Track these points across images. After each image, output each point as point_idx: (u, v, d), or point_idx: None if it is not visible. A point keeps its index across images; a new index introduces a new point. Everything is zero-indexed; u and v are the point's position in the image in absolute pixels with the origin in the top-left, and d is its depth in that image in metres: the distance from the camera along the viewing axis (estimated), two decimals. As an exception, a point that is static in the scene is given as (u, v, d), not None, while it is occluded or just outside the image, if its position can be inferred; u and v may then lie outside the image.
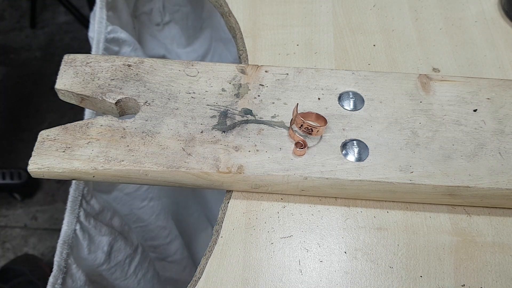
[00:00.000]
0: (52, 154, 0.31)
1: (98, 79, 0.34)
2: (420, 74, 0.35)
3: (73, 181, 0.48)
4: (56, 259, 0.46)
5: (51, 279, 0.44)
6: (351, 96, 0.34)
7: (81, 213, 0.49)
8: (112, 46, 0.56)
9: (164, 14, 0.73)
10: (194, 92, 0.34)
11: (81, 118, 0.51)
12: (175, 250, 0.72)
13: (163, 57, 0.76)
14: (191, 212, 0.81)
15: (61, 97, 0.35)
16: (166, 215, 0.69)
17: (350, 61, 0.39)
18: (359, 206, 0.32)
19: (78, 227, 0.48)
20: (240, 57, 0.40)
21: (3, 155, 1.25)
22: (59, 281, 0.45)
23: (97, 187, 0.55)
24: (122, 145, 0.31)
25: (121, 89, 0.34)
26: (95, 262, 0.52)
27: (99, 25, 0.54)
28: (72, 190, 0.48)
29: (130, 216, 0.63)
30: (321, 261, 0.30)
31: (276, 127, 0.33)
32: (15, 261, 0.98)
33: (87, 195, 0.50)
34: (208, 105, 0.34)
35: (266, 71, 0.35)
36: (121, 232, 0.56)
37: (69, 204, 0.48)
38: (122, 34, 0.57)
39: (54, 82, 0.34)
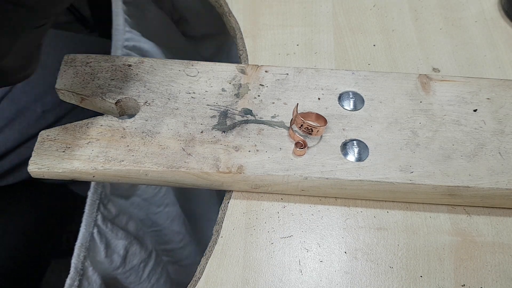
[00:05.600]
0: (52, 154, 0.31)
1: (98, 79, 0.34)
2: (420, 74, 0.35)
3: (92, 184, 0.49)
4: (74, 261, 0.46)
5: (68, 281, 0.45)
6: (351, 96, 0.34)
7: (99, 217, 0.49)
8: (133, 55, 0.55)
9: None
10: (194, 92, 0.34)
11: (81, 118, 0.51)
12: (188, 254, 0.73)
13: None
14: (207, 218, 0.81)
15: (61, 97, 0.35)
16: (180, 220, 0.69)
17: (350, 61, 0.39)
18: (359, 206, 0.32)
19: (95, 230, 0.49)
20: (240, 57, 0.40)
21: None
22: (76, 283, 0.45)
23: (115, 191, 0.56)
24: (122, 145, 0.31)
25: (121, 89, 0.34)
26: (111, 266, 0.52)
27: (115, 32, 0.54)
28: (90, 193, 0.49)
29: (146, 220, 0.63)
30: (321, 261, 0.30)
31: (276, 127, 0.33)
32: None
33: (105, 199, 0.50)
34: (208, 105, 0.34)
35: (266, 71, 0.35)
36: (136, 237, 0.56)
37: (87, 207, 0.48)
38: (145, 44, 0.55)
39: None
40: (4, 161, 0.57)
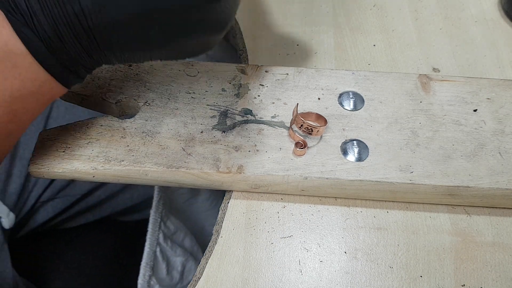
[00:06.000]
0: (52, 154, 0.31)
1: (98, 79, 0.34)
2: (420, 74, 0.35)
3: (154, 203, 0.50)
4: (140, 281, 0.47)
5: None
6: (351, 96, 0.34)
7: (160, 235, 0.50)
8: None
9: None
10: (194, 92, 0.34)
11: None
12: None
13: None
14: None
15: (61, 97, 0.35)
16: None
17: (350, 61, 0.39)
18: (359, 206, 0.32)
19: (158, 249, 0.49)
20: (240, 57, 0.40)
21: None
22: None
23: (172, 207, 0.56)
24: (122, 145, 0.31)
25: (121, 89, 0.34)
26: (171, 282, 0.53)
27: None
28: (152, 212, 0.49)
29: (200, 235, 0.64)
30: (321, 261, 0.30)
31: (276, 127, 0.33)
32: None
33: (165, 217, 0.51)
34: (208, 105, 0.34)
35: (266, 71, 0.35)
36: (191, 253, 0.57)
37: (150, 225, 0.49)
38: None
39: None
40: (92, 196, 0.58)
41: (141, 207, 0.62)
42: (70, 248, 0.58)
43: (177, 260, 0.53)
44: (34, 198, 0.53)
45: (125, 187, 0.59)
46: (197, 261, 0.57)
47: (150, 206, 0.53)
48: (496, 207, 0.32)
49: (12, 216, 0.49)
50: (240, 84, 0.35)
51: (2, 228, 0.50)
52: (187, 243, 0.56)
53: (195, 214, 0.63)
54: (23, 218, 0.54)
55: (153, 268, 0.48)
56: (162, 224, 0.51)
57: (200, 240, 0.63)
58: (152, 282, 0.48)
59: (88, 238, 0.60)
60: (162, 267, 0.51)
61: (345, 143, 0.32)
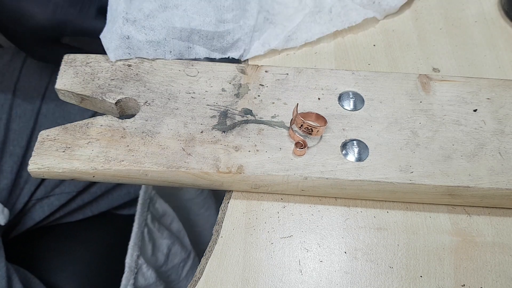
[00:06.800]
0: (52, 154, 0.31)
1: (98, 79, 0.34)
2: (420, 74, 0.35)
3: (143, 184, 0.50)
4: (127, 260, 0.47)
5: (123, 281, 0.45)
6: (351, 96, 0.34)
7: (149, 216, 0.50)
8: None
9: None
10: (194, 92, 0.34)
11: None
12: None
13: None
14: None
15: (61, 97, 0.35)
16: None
17: (350, 61, 0.39)
18: (359, 206, 0.32)
19: (146, 229, 0.49)
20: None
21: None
22: (131, 281, 0.46)
23: (160, 191, 0.56)
24: (122, 145, 0.31)
25: (121, 89, 0.34)
26: (156, 264, 0.53)
27: None
28: (142, 192, 0.49)
29: (187, 221, 0.64)
30: (321, 261, 0.30)
31: (276, 127, 0.33)
32: None
33: (153, 198, 0.51)
34: (208, 105, 0.34)
35: (266, 71, 0.35)
36: (178, 237, 0.57)
37: (138, 206, 0.49)
38: None
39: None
40: (88, 193, 0.58)
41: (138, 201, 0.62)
42: (70, 242, 0.58)
43: (163, 243, 0.54)
44: (27, 195, 0.53)
45: (121, 184, 0.59)
46: (183, 245, 0.58)
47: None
48: (496, 207, 0.32)
49: (6, 211, 0.49)
50: (240, 84, 0.35)
51: None
52: (175, 227, 0.56)
53: (183, 201, 0.63)
54: (17, 215, 0.54)
55: (141, 248, 0.48)
56: (151, 205, 0.50)
57: (187, 227, 0.63)
58: (140, 262, 0.48)
59: (87, 232, 0.60)
60: (148, 248, 0.51)
61: (345, 143, 0.32)
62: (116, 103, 0.34)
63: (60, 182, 0.55)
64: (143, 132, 0.32)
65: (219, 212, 0.32)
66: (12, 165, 0.52)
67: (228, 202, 0.32)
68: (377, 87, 0.35)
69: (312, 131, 0.31)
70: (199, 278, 0.29)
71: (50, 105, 0.54)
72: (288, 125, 0.33)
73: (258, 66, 0.36)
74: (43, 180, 0.54)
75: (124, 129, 0.32)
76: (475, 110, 0.34)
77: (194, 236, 0.67)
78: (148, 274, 0.50)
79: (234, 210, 0.32)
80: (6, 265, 0.47)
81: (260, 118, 0.33)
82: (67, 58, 0.36)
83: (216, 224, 0.31)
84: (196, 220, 0.66)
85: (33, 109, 0.54)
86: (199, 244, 0.68)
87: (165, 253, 0.55)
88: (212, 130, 0.32)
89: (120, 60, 0.35)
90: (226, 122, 0.33)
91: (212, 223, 0.68)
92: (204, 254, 0.30)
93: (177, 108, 0.33)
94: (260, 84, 0.35)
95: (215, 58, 0.38)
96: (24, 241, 0.56)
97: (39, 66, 0.56)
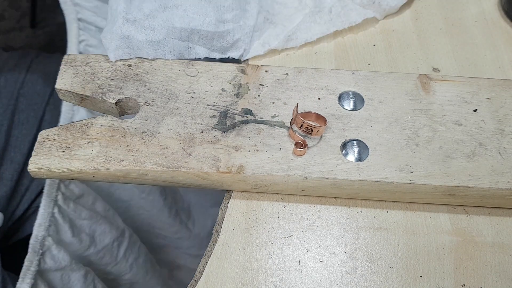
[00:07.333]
0: (52, 154, 0.31)
1: (98, 79, 0.34)
2: (420, 74, 0.35)
3: None
4: (31, 241, 0.46)
5: (26, 262, 0.44)
6: (351, 96, 0.34)
7: (59, 197, 0.49)
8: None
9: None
10: (194, 92, 0.34)
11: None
12: (191, 245, 0.74)
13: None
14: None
15: (61, 97, 0.35)
16: (172, 213, 0.70)
17: (350, 61, 0.39)
18: (359, 206, 0.32)
19: (56, 210, 0.48)
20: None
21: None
22: (35, 262, 0.45)
23: None
24: (122, 145, 0.31)
25: (121, 89, 0.34)
26: (81, 245, 0.52)
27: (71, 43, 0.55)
28: None
29: (123, 203, 0.63)
30: (321, 261, 0.30)
31: (276, 127, 0.33)
32: None
33: (66, 180, 0.50)
34: (208, 105, 0.34)
35: (266, 71, 0.35)
36: (105, 216, 0.56)
37: (46, 187, 0.48)
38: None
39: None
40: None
41: None
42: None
43: (84, 223, 0.53)
44: (27, 203, 0.53)
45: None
46: (113, 224, 0.57)
47: None
48: (496, 207, 0.32)
49: (0, 215, 0.49)
50: (240, 84, 0.35)
51: None
52: (99, 207, 0.55)
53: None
54: (16, 222, 0.53)
55: (49, 229, 0.47)
56: (62, 186, 0.49)
57: (128, 210, 0.62)
58: (47, 243, 0.47)
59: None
60: (65, 229, 0.50)
61: (345, 143, 0.32)
62: (116, 103, 0.34)
63: None
64: (143, 132, 0.32)
65: (219, 212, 0.32)
66: (13, 172, 0.52)
67: (228, 202, 0.32)
68: (377, 87, 0.35)
69: (312, 131, 0.31)
70: (199, 278, 0.29)
71: (54, 112, 0.54)
72: (288, 125, 0.33)
73: (258, 66, 0.36)
74: (43, 188, 0.54)
75: (124, 129, 0.32)
76: (475, 110, 0.34)
77: (142, 219, 0.66)
78: (60, 256, 0.48)
79: (234, 210, 0.32)
80: (2, 273, 0.47)
81: (260, 118, 0.33)
82: (67, 58, 0.36)
83: (216, 224, 0.31)
84: (142, 203, 0.65)
85: (36, 116, 0.54)
86: (141, 225, 0.67)
87: (89, 234, 0.53)
88: (212, 130, 0.32)
89: (120, 60, 0.35)
90: (226, 122, 0.33)
91: (159, 207, 0.67)
92: (204, 254, 0.30)
93: (177, 108, 0.33)
94: (260, 84, 0.35)
95: (215, 58, 0.38)
96: (22, 248, 0.56)
97: (45, 72, 0.56)
